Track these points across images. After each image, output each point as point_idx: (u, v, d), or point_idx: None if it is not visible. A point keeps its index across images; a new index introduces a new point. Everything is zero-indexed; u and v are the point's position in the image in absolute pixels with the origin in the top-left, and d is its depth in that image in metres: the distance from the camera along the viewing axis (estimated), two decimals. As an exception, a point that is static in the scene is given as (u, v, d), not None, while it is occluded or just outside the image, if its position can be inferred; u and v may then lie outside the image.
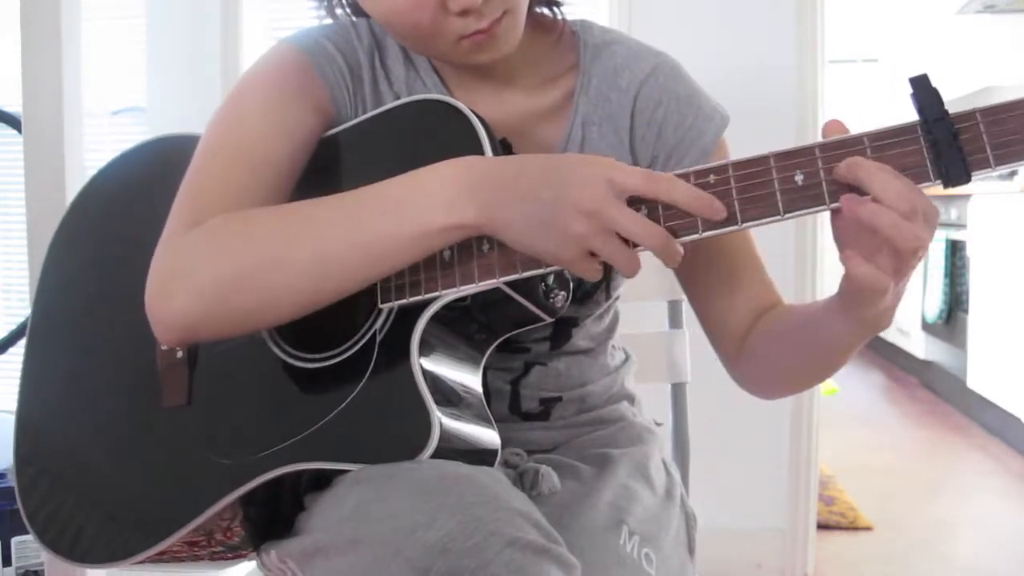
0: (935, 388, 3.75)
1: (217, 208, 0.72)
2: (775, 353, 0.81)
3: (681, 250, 0.62)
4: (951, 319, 3.41)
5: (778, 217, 0.60)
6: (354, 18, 0.83)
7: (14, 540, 1.65)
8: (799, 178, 0.59)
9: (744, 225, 0.61)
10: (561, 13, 0.84)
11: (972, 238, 3.17)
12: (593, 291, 0.85)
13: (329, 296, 0.69)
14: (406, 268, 0.69)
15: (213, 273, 0.69)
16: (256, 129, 0.76)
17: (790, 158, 0.60)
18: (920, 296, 3.71)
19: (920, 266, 3.65)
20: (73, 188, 1.18)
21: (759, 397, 0.87)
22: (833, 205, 0.59)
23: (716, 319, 0.85)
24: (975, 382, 3.13)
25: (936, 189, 0.58)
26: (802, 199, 0.59)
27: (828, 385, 3.68)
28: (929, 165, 0.57)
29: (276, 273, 0.68)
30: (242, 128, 0.77)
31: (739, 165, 0.61)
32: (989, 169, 0.56)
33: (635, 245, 0.62)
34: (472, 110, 0.71)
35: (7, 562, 1.65)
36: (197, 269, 0.69)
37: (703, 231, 0.62)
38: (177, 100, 2.09)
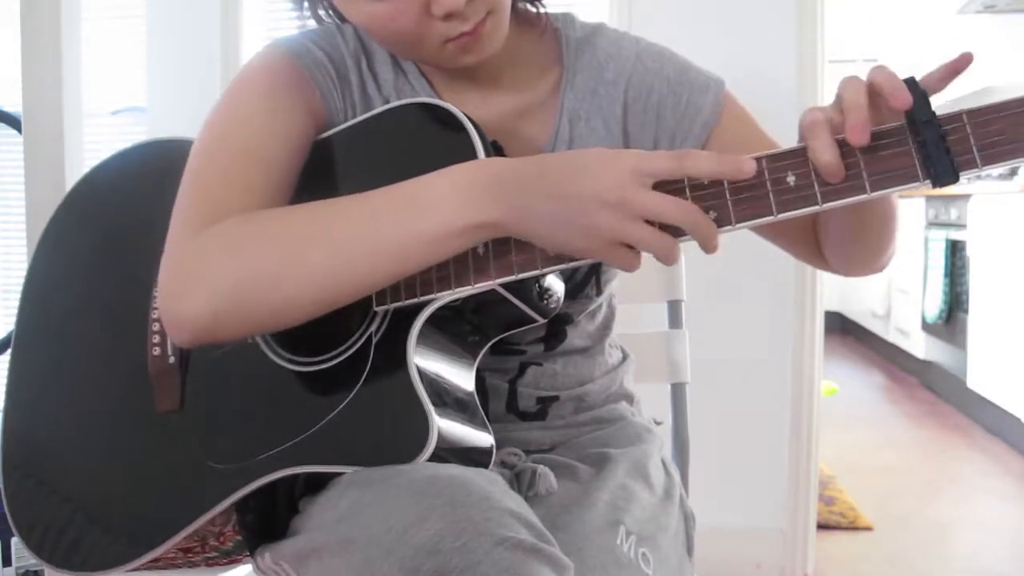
0: (935, 388, 3.75)
1: (225, 209, 0.71)
2: (850, 241, 0.79)
3: (716, 230, 0.61)
4: (951, 319, 3.41)
5: (771, 217, 0.60)
6: (339, 23, 0.83)
7: (14, 540, 1.65)
8: (791, 179, 0.60)
9: (738, 226, 0.61)
10: (543, 7, 0.84)
11: (972, 238, 3.17)
12: (583, 285, 0.85)
13: (348, 297, 0.68)
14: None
15: (230, 275, 0.68)
16: (255, 130, 0.76)
17: (782, 159, 0.60)
18: (920, 296, 3.71)
19: (920, 266, 3.60)
20: (73, 188, 1.18)
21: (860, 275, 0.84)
22: (826, 205, 0.59)
23: (798, 249, 0.85)
24: (975, 382, 3.12)
25: (936, 188, 0.58)
26: (795, 199, 0.60)
27: (828, 385, 3.68)
28: (918, 166, 0.58)
29: (293, 275, 0.67)
30: (241, 130, 0.76)
31: None
32: (976, 169, 0.56)
33: (679, 232, 0.61)
34: (464, 112, 0.71)
35: (7, 562, 1.65)
36: (213, 270, 0.69)
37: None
38: (177, 100, 2.09)
